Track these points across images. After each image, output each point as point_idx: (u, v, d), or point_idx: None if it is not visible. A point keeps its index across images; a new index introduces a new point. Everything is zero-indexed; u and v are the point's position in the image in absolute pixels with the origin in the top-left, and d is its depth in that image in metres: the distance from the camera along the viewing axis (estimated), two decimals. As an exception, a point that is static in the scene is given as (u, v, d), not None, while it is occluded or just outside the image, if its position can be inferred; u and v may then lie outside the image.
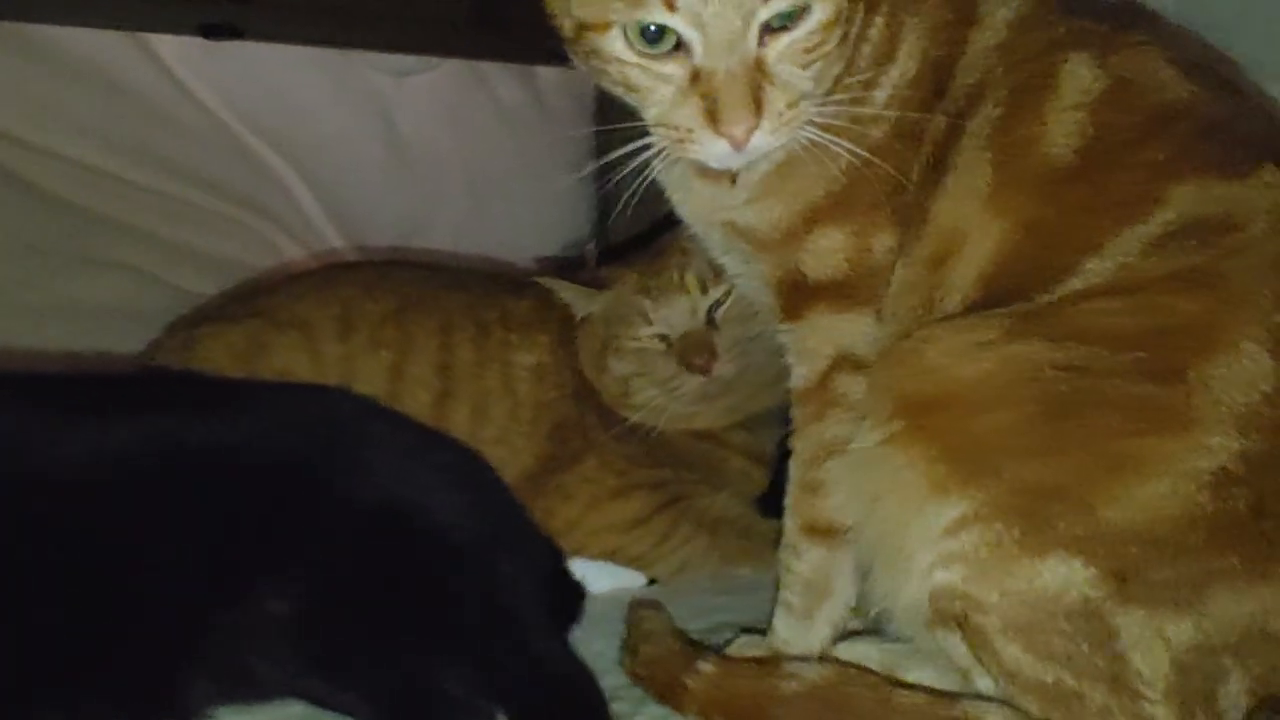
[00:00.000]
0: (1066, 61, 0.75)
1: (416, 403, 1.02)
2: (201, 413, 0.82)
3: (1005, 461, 0.69)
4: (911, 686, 0.76)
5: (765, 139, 0.70)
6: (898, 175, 0.76)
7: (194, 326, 1.09)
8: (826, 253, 0.78)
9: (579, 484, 1.05)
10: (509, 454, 1.02)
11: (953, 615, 0.70)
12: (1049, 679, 0.69)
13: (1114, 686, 0.69)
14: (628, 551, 1.02)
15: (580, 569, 0.96)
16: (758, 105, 0.69)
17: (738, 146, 0.69)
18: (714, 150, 0.70)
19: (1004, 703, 0.71)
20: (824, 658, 0.81)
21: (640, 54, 0.70)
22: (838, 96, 0.74)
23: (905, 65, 0.77)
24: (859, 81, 0.75)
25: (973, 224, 0.74)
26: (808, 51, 0.70)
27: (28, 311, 1.18)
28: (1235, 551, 0.66)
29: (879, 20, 0.77)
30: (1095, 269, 0.71)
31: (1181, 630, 0.67)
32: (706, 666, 0.78)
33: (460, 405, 1.04)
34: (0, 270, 1.18)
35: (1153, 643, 0.67)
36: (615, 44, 0.70)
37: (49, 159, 1.21)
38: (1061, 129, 0.73)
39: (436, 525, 0.80)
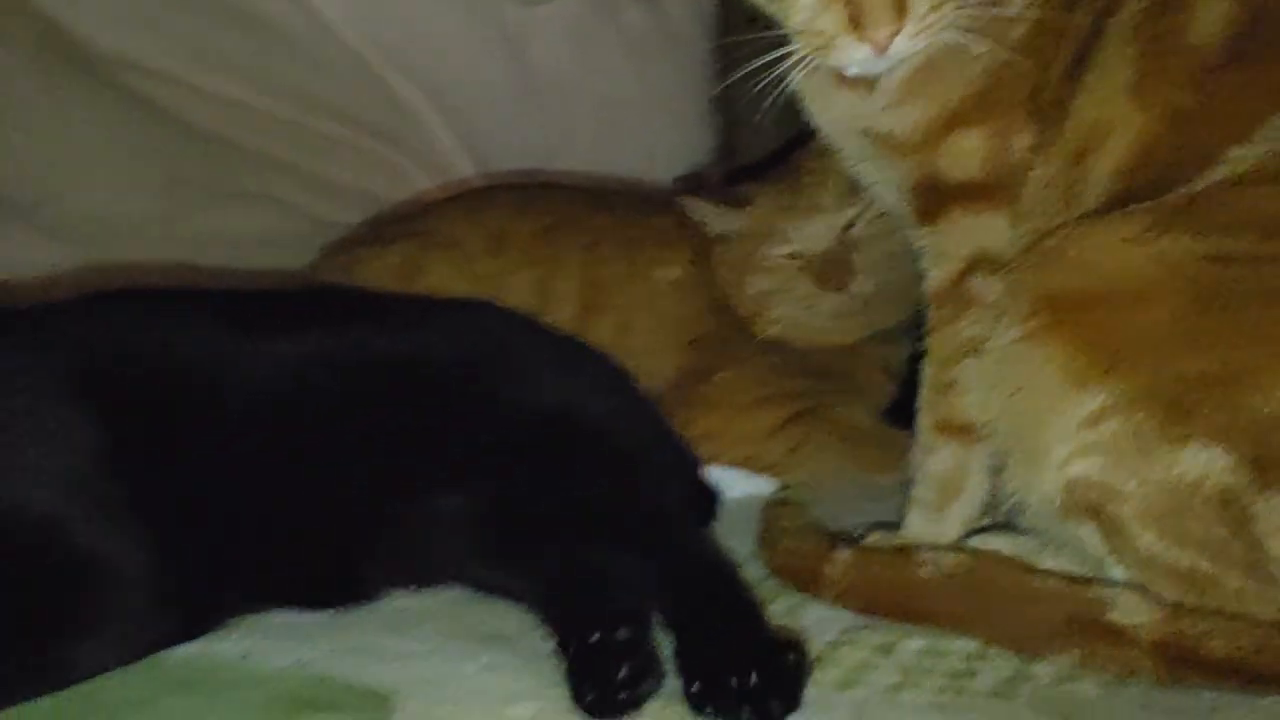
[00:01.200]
0: None
1: (563, 316, 1.08)
2: (373, 325, 0.89)
3: (1148, 353, 0.70)
4: (1046, 573, 0.78)
5: (907, 43, 0.71)
6: (1038, 74, 0.77)
7: (348, 250, 1.17)
8: (965, 154, 0.79)
9: (717, 395, 1.08)
10: (650, 365, 1.05)
11: (1089, 505, 0.72)
12: (1184, 564, 0.71)
13: (1249, 571, 0.70)
14: (761, 460, 1.05)
15: (716, 475, 0.99)
16: (900, 9, 0.70)
17: (880, 51, 0.71)
18: (855, 56, 0.72)
19: (1138, 587, 0.73)
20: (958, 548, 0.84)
21: None
22: (979, -2, 0.75)
23: None
24: None
25: (1115, 118, 0.74)
26: None
27: (180, 242, 1.27)
28: None
29: None
30: (1242, 157, 0.70)
31: None
32: (844, 555, 0.81)
33: (604, 319, 1.09)
34: (153, 203, 1.29)
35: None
36: None
37: (199, 96, 1.29)
38: (1209, 17, 0.73)
39: (593, 427, 0.87)
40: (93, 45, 1.29)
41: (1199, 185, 0.72)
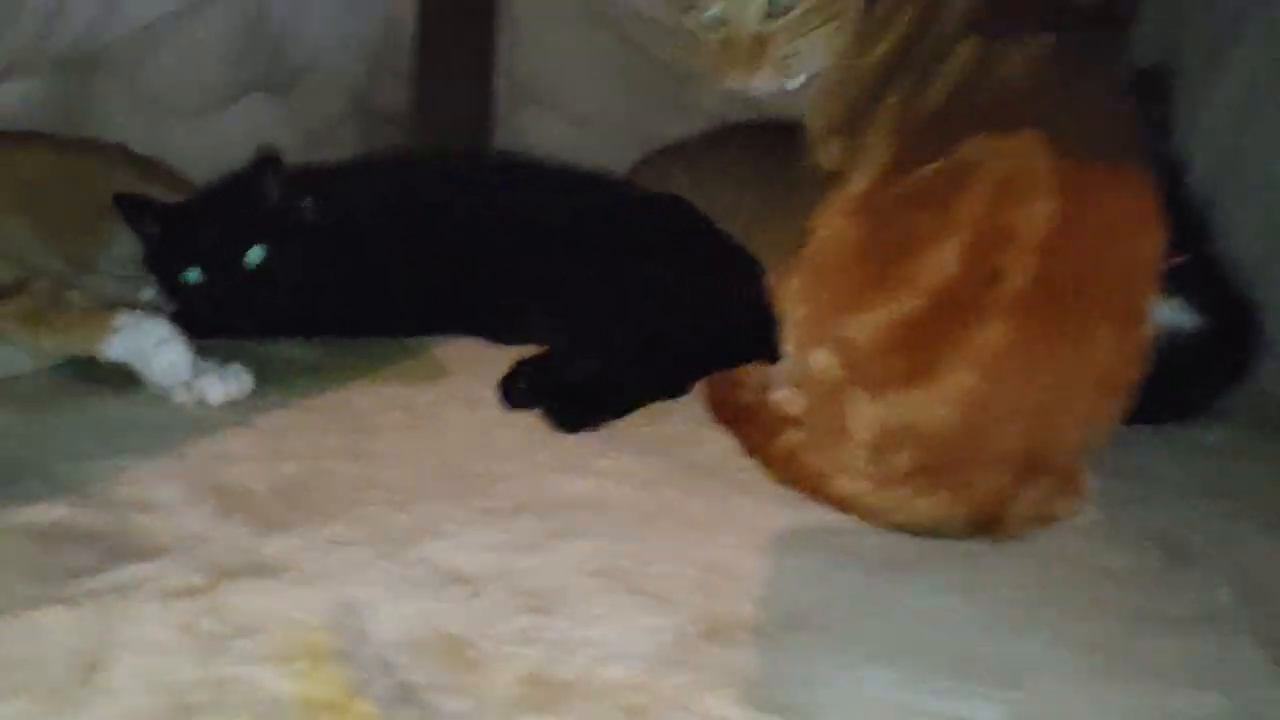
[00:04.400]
0: None
1: (741, 220, 1.64)
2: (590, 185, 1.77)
3: (817, 289, 1.23)
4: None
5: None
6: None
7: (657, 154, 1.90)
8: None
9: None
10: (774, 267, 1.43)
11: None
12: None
13: (825, 437, 1.17)
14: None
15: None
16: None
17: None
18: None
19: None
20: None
21: None
22: None
23: None
24: None
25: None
26: None
27: (632, 147, 1.94)
28: None
29: None
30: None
31: None
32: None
33: (762, 230, 1.62)
34: (623, 107, 2.13)
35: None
36: None
37: (662, 30, 1.95)
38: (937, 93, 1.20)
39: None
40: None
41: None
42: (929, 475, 1.10)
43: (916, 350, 1.09)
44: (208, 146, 1.96)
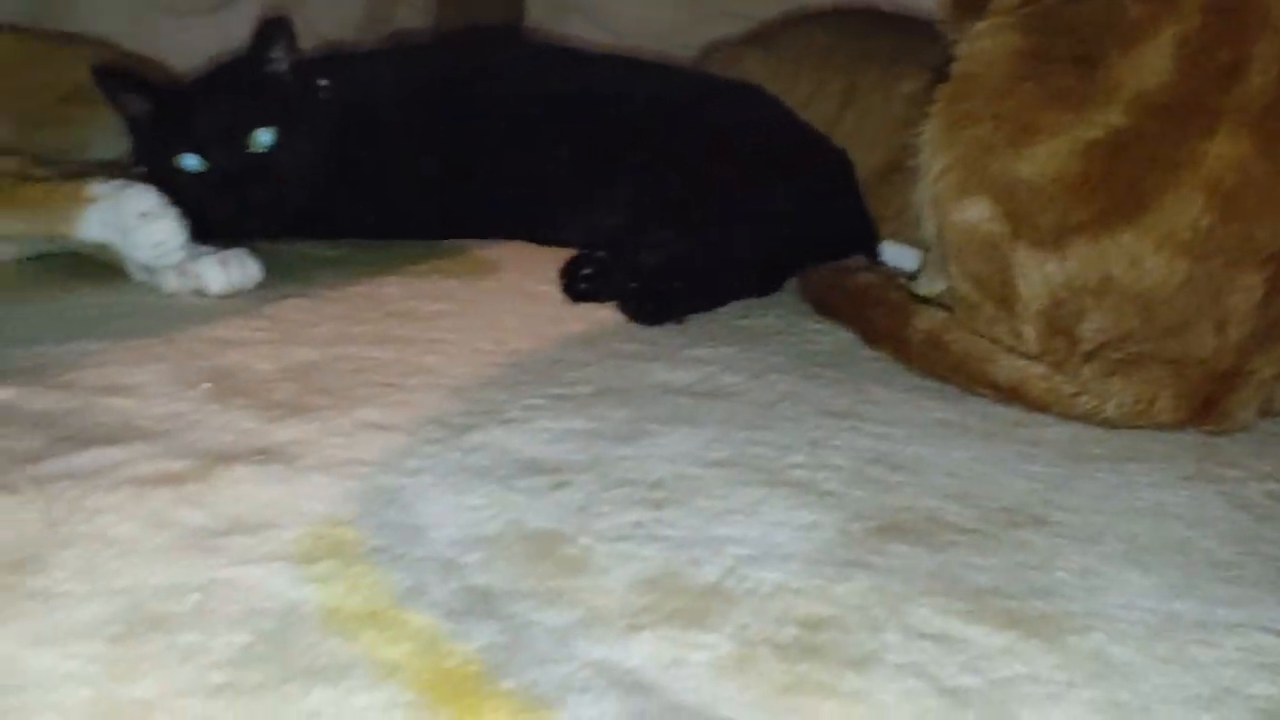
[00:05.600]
0: None
1: (828, 107, 1.40)
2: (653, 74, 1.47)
3: (969, 123, 0.92)
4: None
5: None
6: None
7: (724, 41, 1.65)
8: None
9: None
10: (867, 155, 1.30)
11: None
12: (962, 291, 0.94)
13: (999, 304, 0.90)
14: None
15: (889, 251, 1.24)
16: None
17: None
18: None
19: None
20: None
21: None
22: None
23: None
24: None
25: None
26: None
27: (686, 43, 1.73)
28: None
29: None
30: None
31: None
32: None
33: (850, 113, 1.38)
34: (675, 13, 1.89)
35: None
36: None
37: None
38: None
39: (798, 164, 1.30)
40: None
41: None
42: (1126, 347, 0.85)
43: (1114, 183, 0.84)
44: (203, 50, 1.72)
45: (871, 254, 1.25)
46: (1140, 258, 0.83)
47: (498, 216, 1.36)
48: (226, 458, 0.66)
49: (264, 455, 0.67)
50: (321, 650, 0.49)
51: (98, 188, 1.01)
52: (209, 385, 0.78)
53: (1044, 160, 0.86)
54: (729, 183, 1.30)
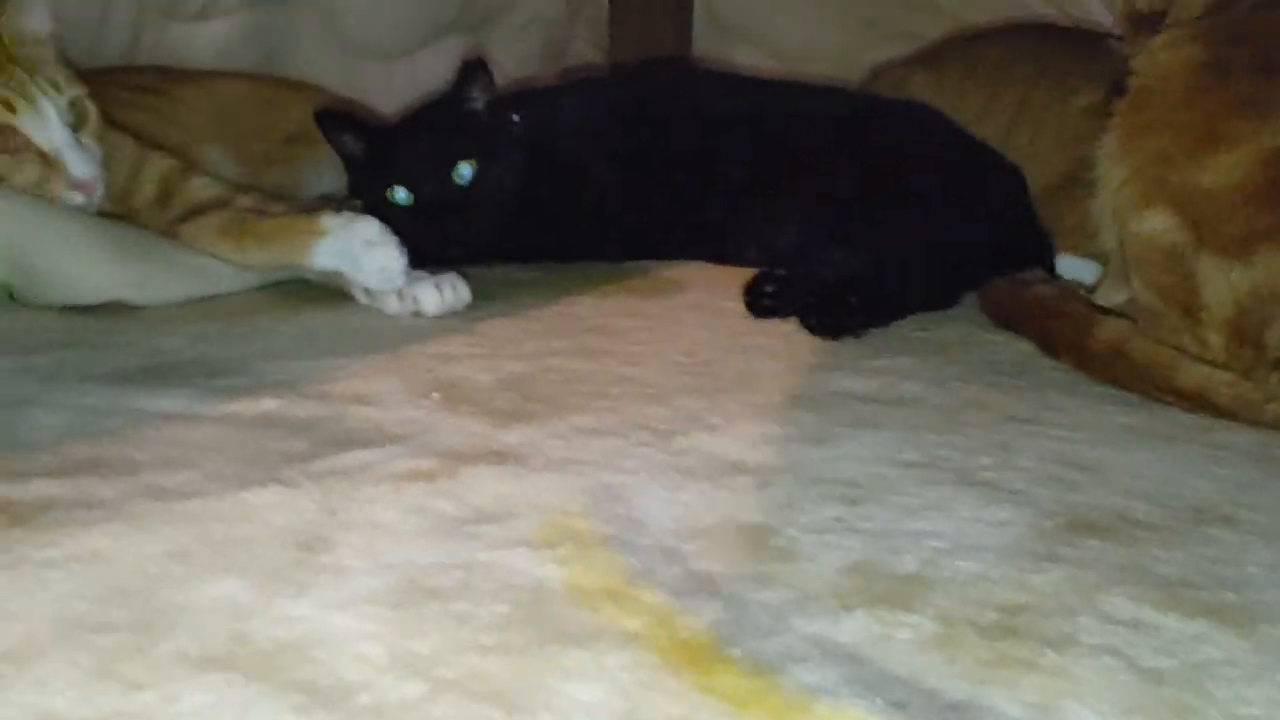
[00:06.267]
0: None
1: (998, 124, 1.44)
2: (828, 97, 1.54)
3: (1149, 134, 0.96)
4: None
5: None
6: None
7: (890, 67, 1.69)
8: None
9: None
10: (1042, 168, 1.34)
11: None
12: (1145, 300, 0.98)
13: (1185, 313, 0.93)
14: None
15: (1065, 264, 1.26)
16: None
17: None
18: None
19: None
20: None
21: None
22: None
23: None
24: None
25: None
26: None
27: (852, 65, 1.81)
28: None
29: None
30: None
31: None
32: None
33: (1022, 129, 1.42)
34: (840, 36, 1.98)
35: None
36: None
37: None
38: None
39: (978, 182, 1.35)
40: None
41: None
42: None
43: None
44: (402, 90, 1.87)
45: (1048, 267, 1.26)
46: (1328, 264, 0.84)
47: (678, 238, 1.43)
48: (466, 457, 0.75)
49: (497, 456, 0.76)
50: (571, 619, 0.56)
51: (329, 221, 1.13)
52: (438, 395, 0.87)
53: (1227, 169, 0.88)
54: (900, 199, 1.34)
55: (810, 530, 0.66)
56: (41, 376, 0.88)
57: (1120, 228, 0.97)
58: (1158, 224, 0.92)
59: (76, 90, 1.14)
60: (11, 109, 1.07)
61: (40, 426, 0.78)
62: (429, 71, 1.94)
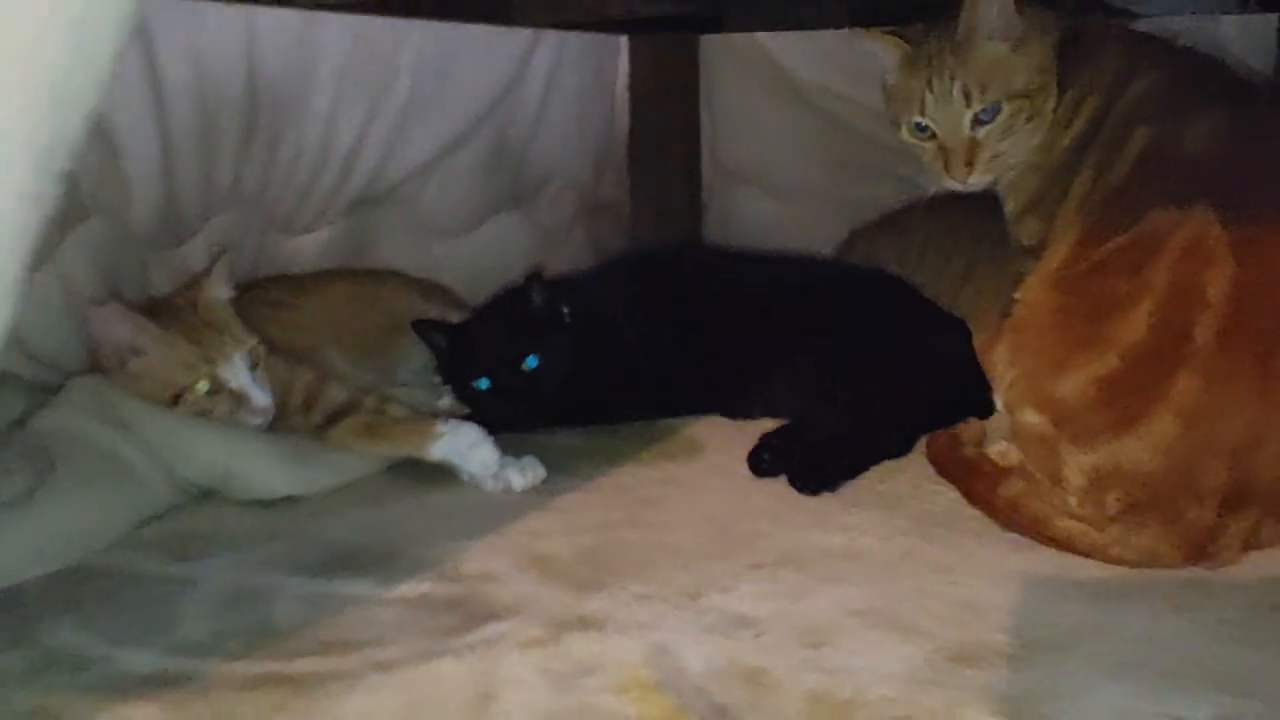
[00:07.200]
0: None
1: (950, 283, 1.90)
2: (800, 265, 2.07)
3: (1026, 355, 1.39)
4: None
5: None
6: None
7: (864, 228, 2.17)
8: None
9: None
10: (982, 325, 1.65)
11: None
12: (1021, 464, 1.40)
13: (1054, 481, 1.32)
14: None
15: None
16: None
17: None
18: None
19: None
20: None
21: None
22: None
23: None
24: None
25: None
26: None
27: (840, 204, 2.34)
28: None
29: None
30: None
31: None
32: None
33: (968, 288, 1.87)
34: (827, 177, 2.42)
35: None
36: None
37: (860, 108, 2.24)
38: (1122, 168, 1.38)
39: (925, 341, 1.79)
40: (799, 77, 2.41)
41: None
42: (1140, 513, 1.25)
43: (1119, 403, 1.25)
44: (464, 259, 2.26)
45: (986, 416, 1.54)
46: (1139, 455, 1.23)
47: (698, 398, 1.84)
48: (565, 625, 1.15)
49: (582, 622, 1.16)
50: (644, 741, 0.96)
51: (441, 426, 1.55)
52: (537, 572, 1.28)
53: (1073, 386, 1.28)
54: (872, 362, 1.74)
55: (788, 669, 1.06)
56: (266, 568, 1.30)
57: (1009, 414, 1.37)
58: (1033, 419, 1.32)
59: (251, 340, 1.56)
60: (213, 363, 1.50)
61: (286, 614, 1.19)
62: (486, 244, 2.35)
